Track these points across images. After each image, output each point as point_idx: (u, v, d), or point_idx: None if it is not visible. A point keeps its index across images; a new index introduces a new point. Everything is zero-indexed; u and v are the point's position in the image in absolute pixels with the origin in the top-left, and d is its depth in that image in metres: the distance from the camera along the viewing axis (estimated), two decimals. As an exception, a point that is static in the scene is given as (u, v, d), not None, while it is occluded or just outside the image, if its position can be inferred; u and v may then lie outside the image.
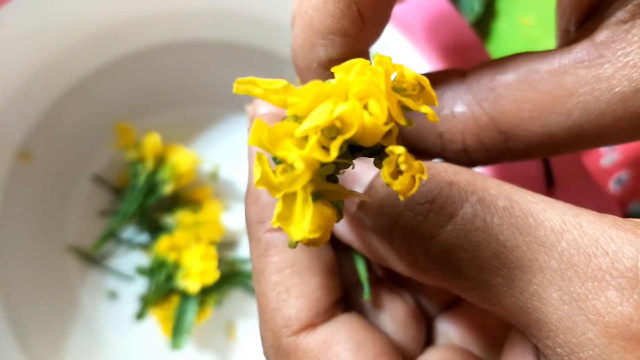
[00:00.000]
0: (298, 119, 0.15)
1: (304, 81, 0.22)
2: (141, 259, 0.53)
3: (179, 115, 0.55)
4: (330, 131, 0.14)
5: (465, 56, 0.40)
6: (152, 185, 0.52)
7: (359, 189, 0.21)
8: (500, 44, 0.50)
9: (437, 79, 0.23)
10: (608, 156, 0.46)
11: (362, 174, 0.22)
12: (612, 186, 0.45)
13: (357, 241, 0.23)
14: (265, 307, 0.22)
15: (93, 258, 0.52)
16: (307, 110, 0.14)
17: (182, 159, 0.52)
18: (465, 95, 0.22)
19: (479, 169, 0.38)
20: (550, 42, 0.21)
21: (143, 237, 0.53)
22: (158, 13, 0.47)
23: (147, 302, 0.50)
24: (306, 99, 0.15)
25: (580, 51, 0.21)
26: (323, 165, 0.15)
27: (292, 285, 0.21)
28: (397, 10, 0.40)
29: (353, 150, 0.16)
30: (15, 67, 0.45)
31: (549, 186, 0.38)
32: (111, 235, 0.52)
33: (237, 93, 0.16)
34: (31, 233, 0.50)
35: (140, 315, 0.50)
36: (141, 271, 0.51)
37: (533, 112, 0.21)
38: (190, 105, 0.55)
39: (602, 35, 0.20)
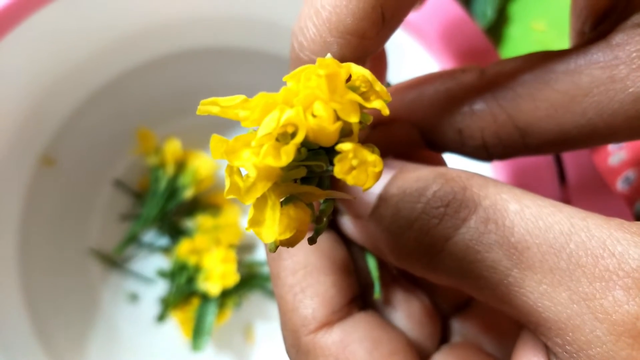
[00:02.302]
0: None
1: None
2: (162, 262, 0.54)
3: (199, 121, 0.55)
4: (285, 137, 0.15)
5: (479, 62, 0.40)
6: (172, 190, 0.53)
7: (371, 196, 0.22)
8: (513, 49, 0.51)
9: (456, 75, 0.24)
10: (616, 155, 0.46)
11: None
12: (620, 185, 0.45)
13: (371, 243, 0.23)
14: (284, 309, 0.22)
15: (115, 261, 0.53)
16: (259, 121, 0.15)
17: (202, 164, 0.53)
18: (484, 93, 0.23)
19: (489, 172, 0.38)
20: (562, 47, 0.21)
21: (164, 241, 0.54)
22: (178, 20, 0.48)
23: (168, 305, 0.51)
24: (256, 111, 0.15)
25: (596, 52, 0.21)
26: (290, 169, 0.16)
27: (306, 285, 0.22)
28: (411, 16, 0.41)
29: (329, 152, 0.16)
30: (38, 75, 0.46)
31: (561, 184, 0.38)
32: (133, 239, 0.53)
33: (199, 114, 0.16)
34: (54, 236, 0.51)
35: (161, 317, 0.51)
36: (162, 274, 0.52)
37: (549, 110, 0.21)
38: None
39: (617, 37, 0.21)
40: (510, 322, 0.24)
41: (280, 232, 0.16)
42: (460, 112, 0.23)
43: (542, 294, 0.17)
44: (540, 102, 0.22)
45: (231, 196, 0.15)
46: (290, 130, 0.15)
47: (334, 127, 0.15)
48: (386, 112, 0.16)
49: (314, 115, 0.15)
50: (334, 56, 0.20)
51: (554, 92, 0.21)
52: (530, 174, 0.38)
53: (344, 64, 0.16)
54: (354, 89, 0.16)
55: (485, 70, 0.23)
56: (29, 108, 0.46)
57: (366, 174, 0.15)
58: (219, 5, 0.47)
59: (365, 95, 0.16)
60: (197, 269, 0.50)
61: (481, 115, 0.23)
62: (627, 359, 0.16)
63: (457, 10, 0.41)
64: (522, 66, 0.22)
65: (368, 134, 0.25)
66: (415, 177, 0.20)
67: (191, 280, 0.50)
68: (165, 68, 0.52)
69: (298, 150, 0.15)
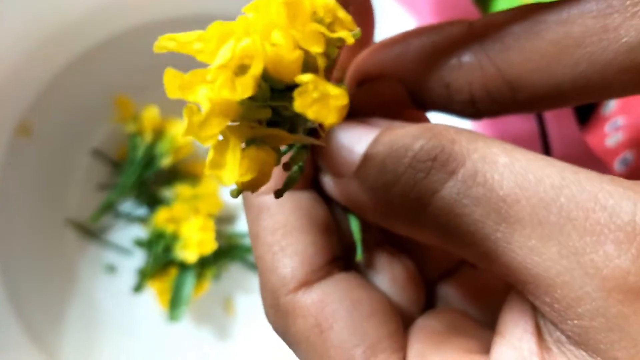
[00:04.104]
0: None
1: None
2: (140, 232, 0.53)
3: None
4: (244, 71, 0.14)
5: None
6: (150, 158, 0.52)
7: (355, 154, 0.21)
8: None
9: (443, 28, 0.23)
10: (613, 136, 0.45)
11: (358, 139, 0.21)
12: (618, 166, 0.44)
13: (354, 203, 0.23)
14: (263, 269, 0.22)
15: (92, 232, 0.52)
16: (215, 53, 0.15)
17: (181, 132, 0.52)
18: (472, 45, 0.22)
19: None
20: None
21: (142, 211, 0.54)
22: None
23: (145, 275, 0.50)
24: (211, 42, 0.15)
25: (589, 1, 0.20)
26: (253, 109, 0.15)
27: (285, 245, 0.22)
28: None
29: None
30: (15, 43, 0.45)
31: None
32: (110, 207, 0.52)
33: (157, 52, 0.16)
34: (31, 207, 0.51)
35: (138, 287, 0.51)
36: (139, 243, 0.52)
37: (540, 63, 0.21)
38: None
39: None
40: (497, 289, 0.24)
41: (241, 174, 0.15)
42: (448, 65, 0.22)
43: (531, 249, 0.17)
44: (530, 54, 0.21)
45: (189, 136, 0.15)
46: (249, 62, 0.14)
47: (293, 56, 0.14)
48: (351, 40, 0.15)
49: (273, 45, 0.14)
50: None
51: (544, 43, 0.21)
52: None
53: None
54: (319, 21, 0.15)
55: (474, 22, 0.22)
56: (4, 77, 0.46)
57: (328, 108, 0.14)
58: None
59: (330, 28, 0.16)
60: (174, 237, 0.49)
61: (469, 67, 0.22)
62: (617, 316, 0.15)
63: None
64: (513, 17, 0.22)
65: (354, 92, 0.24)
66: (402, 133, 0.20)
67: (168, 248, 0.50)
68: (145, 37, 0.51)
69: (259, 86, 0.15)
